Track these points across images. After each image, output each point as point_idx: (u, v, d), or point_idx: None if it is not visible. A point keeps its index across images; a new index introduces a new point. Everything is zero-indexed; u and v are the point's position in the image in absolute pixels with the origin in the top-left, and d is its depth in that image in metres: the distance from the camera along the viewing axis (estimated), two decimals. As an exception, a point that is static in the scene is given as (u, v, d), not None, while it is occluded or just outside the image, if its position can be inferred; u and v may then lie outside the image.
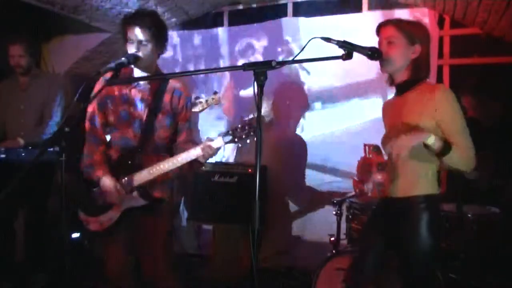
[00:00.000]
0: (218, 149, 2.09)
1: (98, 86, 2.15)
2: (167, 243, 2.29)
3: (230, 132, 2.04)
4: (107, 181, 2.13)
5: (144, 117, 2.21)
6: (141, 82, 2.24)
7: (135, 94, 2.24)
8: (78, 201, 2.23)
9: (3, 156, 2.98)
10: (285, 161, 3.87)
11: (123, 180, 2.15)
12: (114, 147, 2.26)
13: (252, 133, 1.99)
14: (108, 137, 2.32)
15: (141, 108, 2.23)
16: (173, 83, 2.28)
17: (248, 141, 2.01)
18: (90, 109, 2.27)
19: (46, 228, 3.25)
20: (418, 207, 1.84)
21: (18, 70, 3.30)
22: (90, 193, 2.21)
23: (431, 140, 1.73)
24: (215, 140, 2.08)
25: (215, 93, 3.14)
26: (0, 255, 3.20)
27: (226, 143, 2.03)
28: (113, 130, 2.26)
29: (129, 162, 2.18)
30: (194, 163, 2.15)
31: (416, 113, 1.84)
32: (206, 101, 3.09)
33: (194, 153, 2.09)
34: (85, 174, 2.22)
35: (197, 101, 3.07)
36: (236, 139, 2.02)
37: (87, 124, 2.29)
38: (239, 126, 2.02)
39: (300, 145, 3.89)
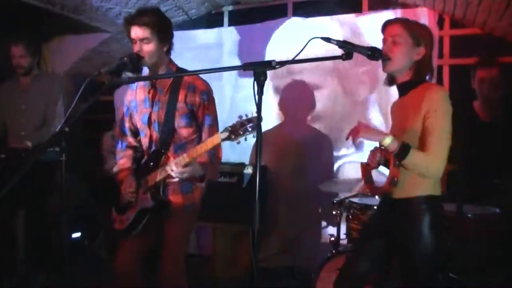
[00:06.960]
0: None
1: None
2: (179, 246, 2.24)
3: (228, 128, 1.89)
4: (123, 182, 2.24)
5: (162, 118, 2.19)
6: (160, 83, 2.21)
7: (153, 95, 2.23)
8: (113, 200, 2.31)
9: (3, 156, 2.98)
10: (287, 161, 3.85)
11: (142, 181, 2.19)
12: (143, 150, 2.32)
13: (250, 129, 1.85)
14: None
15: (158, 110, 2.20)
16: (187, 79, 2.20)
17: (245, 138, 1.87)
18: (120, 115, 2.37)
19: (46, 228, 3.25)
20: (420, 209, 1.80)
21: (19, 70, 3.28)
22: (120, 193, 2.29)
23: (387, 141, 1.73)
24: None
25: None
26: (0, 255, 3.20)
27: (222, 140, 1.90)
28: (140, 134, 2.31)
29: (152, 163, 2.18)
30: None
31: (412, 115, 1.82)
32: None
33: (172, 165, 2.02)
34: (115, 176, 2.35)
35: None
36: (233, 136, 1.87)
37: (116, 130, 2.44)
38: (238, 122, 1.88)
39: (309, 145, 3.83)
